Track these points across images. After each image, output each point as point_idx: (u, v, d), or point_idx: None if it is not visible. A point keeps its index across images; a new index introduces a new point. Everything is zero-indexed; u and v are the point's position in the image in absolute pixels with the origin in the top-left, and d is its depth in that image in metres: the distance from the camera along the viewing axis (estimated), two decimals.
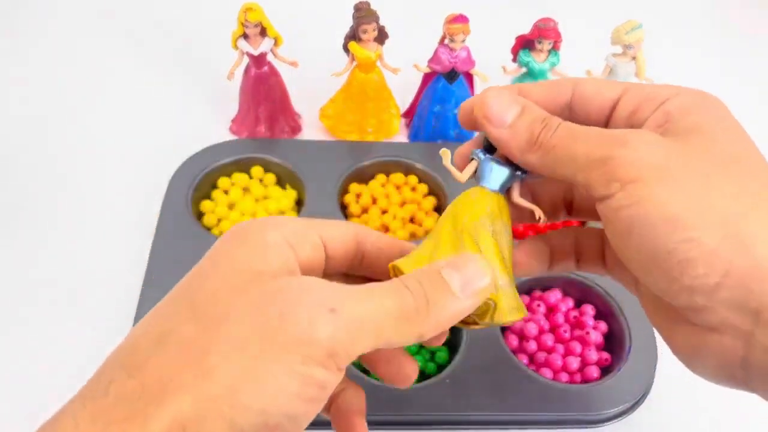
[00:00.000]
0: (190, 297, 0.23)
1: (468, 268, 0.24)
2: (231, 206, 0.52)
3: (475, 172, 0.28)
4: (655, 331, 0.43)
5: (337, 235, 0.27)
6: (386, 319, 0.22)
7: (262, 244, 0.24)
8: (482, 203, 0.27)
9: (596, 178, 0.24)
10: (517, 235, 0.50)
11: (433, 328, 0.23)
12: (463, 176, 0.28)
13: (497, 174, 0.27)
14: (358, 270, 0.28)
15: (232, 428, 0.20)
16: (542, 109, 0.27)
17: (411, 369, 0.28)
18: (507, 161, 0.27)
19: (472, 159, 0.28)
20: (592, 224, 0.31)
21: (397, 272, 0.26)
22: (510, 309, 0.25)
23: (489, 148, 0.28)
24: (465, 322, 0.25)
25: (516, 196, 0.28)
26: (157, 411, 0.20)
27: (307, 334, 0.21)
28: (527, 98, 0.28)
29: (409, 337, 0.23)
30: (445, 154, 0.28)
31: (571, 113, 0.28)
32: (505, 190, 0.28)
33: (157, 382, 0.21)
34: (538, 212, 0.28)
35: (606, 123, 0.27)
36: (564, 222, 0.45)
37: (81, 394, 0.22)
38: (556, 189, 0.31)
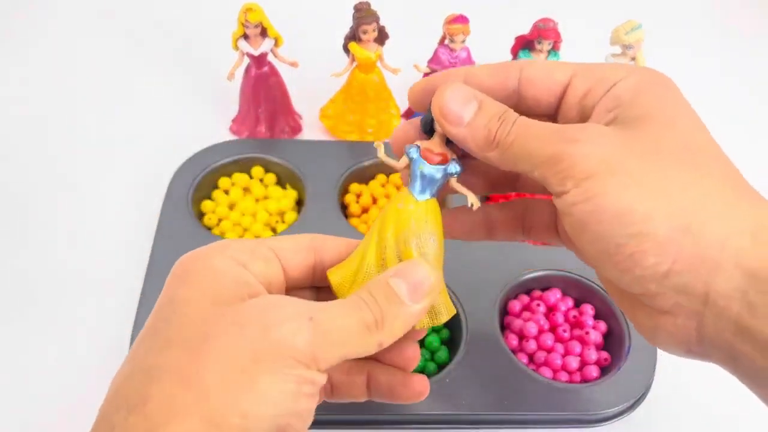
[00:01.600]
0: (163, 334, 0.23)
1: (412, 274, 0.25)
2: (231, 206, 0.52)
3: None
4: None
5: (289, 246, 0.27)
6: (350, 333, 0.24)
7: (211, 272, 0.25)
8: (406, 215, 0.27)
9: (552, 176, 0.24)
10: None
11: (390, 336, 0.25)
12: (400, 164, 0.28)
13: (425, 183, 0.27)
14: (324, 281, 0.28)
15: None
16: (495, 101, 0.27)
17: (412, 352, 0.29)
18: (442, 158, 0.27)
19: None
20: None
21: (328, 281, 0.27)
22: (446, 310, 0.27)
23: (429, 131, 0.28)
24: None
25: (453, 182, 0.28)
26: None
27: (291, 341, 0.22)
28: (474, 83, 0.28)
29: (370, 347, 0.24)
30: (379, 146, 0.29)
31: (519, 99, 0.28)
32: (437, 191, 0.28)
33: (159, 411, 0.21)
34: (472, 198, 0.28)
35: (557, 107, 0.28)
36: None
37: None
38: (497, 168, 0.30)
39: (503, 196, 0.51)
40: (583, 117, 0.27)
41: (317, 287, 0.29)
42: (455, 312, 0.28)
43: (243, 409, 0.21)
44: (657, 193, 0.23)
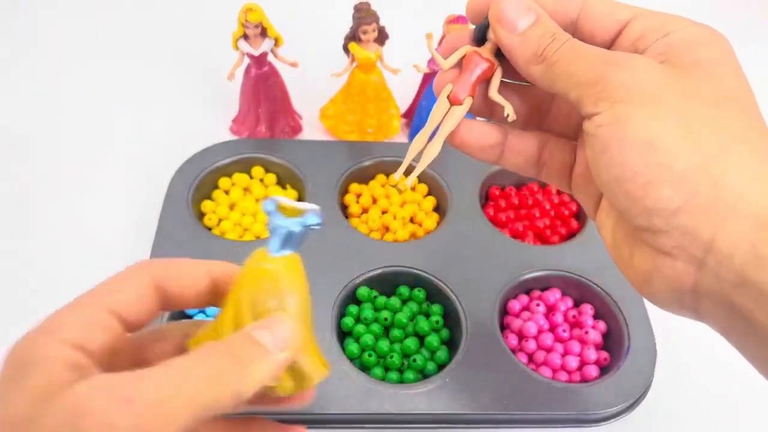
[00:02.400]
0: None
1: (276, 327, 0.24)
2: (232, 206, 0.52)
3: (460, 62, 0.28)
4: (655, 330, 0.44)
5: (129, 299, 0.24)
6: (197, 388, 0.21)
7: (39, 364, 0.22)
8: (262, 275, 0.25)
9: (588, 96, 0.24)
10: (519, 218, 0.50)
11: (252, 384, 0.22)
12: (447, 63, 0.28)
13: (283, 238, 0.25)
14: (171, 308, 0.26)
15: None
16: (551, 20, 0.27)
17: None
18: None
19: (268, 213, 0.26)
20: None
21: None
22: (317, 372, 0.25)
23: (481, 38, 0.28)
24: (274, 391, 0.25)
25: (493, 91, 0.28)
26: None
27: None
28: (539, 2, 0.27)
29: (228, 398, 0.22)
30: (429, 37, 0.29)
31: (576, 30, 0.28)
32: (298, 244, 0.26)
33: None
34: (509, 109, 0.28)
35: (610, 45, 0.27)
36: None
37: None
38: (535, 95, 0.30)
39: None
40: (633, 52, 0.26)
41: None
42: (327, 373, 0.25)
43: None
44: (686, 131, 0.23)
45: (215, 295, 0.26)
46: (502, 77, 0.28)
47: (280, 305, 0.24)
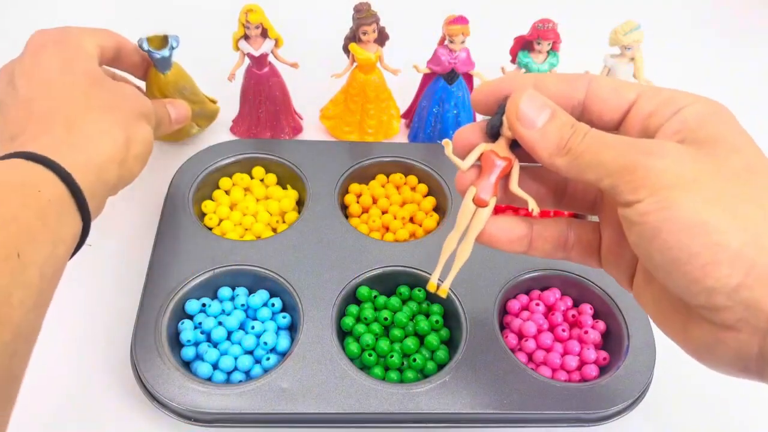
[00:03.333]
0: (54, 91, 0.40)
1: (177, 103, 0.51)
2: (232, 206, 0.52)
3: (479, 159, 0.29)
4: (654, 330, 0.44)
5: (109, 45, 0.46)
6: (157, 115, 0.46)
7: (84, 52, 0.43)
8: (164, 83, 0.53)
9: (624, 184, 0.25)
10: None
11: (160, 134, 0.49)
12: (465, 164, 0.29)
13: (162, 65, 0.52)
14: (115, 65, 0.49)
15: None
16: (565, 112, 0.28)
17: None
18: None
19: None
20: (592, 218, 0.33)
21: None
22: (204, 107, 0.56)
23: (494, 134, 0.29)
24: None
25: (514, 185, 0.29)
26: (23, 142, 0.38)
27: (147, 107, 0.44)
28: (544, 90, 0.29)
29: (156, 135, 0.45)
30: (447, 144, 0.30)
31: (583, 111, 0.29)
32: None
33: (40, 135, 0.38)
34: (532, 204, 0.29)
35: (619, 123, 0.28)
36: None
37: None
38: (550, 179, 0.32)
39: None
40: (646, 135, 0.27)
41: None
42: (217, 107, 0.53)
43: (136, 136, 0.41)
44: (731, 209, 0.23)
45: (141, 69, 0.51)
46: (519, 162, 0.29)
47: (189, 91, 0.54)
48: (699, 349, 0.26)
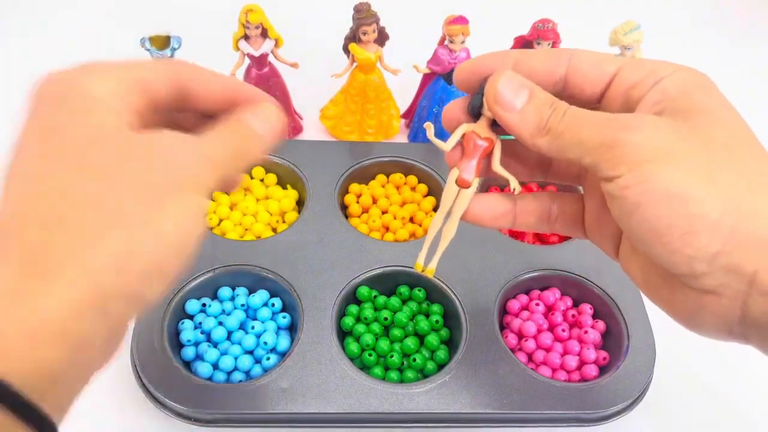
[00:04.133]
0: (73, 160, 0.22)
1: (263, 110, 0.28)
2: (232, 206, 0.52)
3: (460, 140, 0.29)
4: (654, 330, 0.44)
5: (154, 74, 0.27)
6: (225, 158, 0.26)
7: (94, 101, 0.24)
8: None
9: (604, 161, 0.25)
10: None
11: (250, 161, 0.27)
12: (448, 145, 0.30)
13: None
14: (185, 108, 0.28)
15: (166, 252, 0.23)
16: (543, 90, 0.28)
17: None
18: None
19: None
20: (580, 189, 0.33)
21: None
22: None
23: (476, 114, 0.29)
24: None
25: (496, 165, 0.29)
26: (90, 251, 0.21)
27: (196, 174, 0.24)
28: (525, 68, 0.29)
29: (238, 170, 0.27)
30: (429, 127, 0.30)
31: (565, 85, 0.29)
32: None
33: (78, 229, 0.21)
34: (514, 183, 0.29)
35: (600, 96, 0.29)
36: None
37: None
38: (533, 155, 0.32)
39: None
40: (627, 108, 0.27)
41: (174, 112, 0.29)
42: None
43: (158, 227, 0.22)
44: (709, 179, 0.24)
45: (228, 106, 0.29)
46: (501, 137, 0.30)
47: None
48: (685, 316, 0.26)
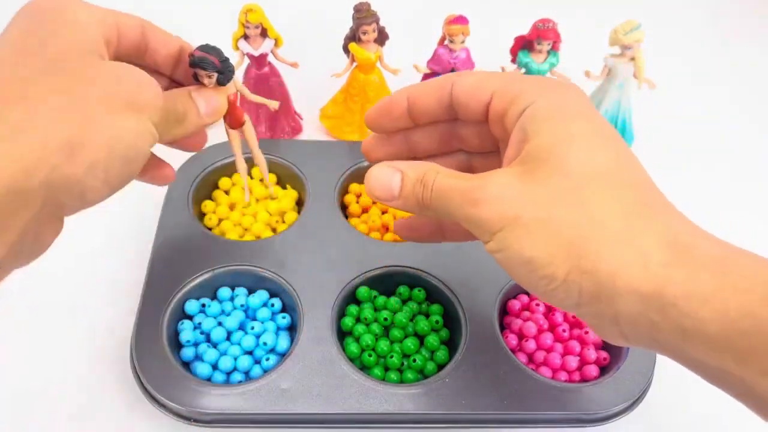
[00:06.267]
0: (42, 62, 0.26)
1: (211, 95, 0.35)
2: (232, 206, 0.52)
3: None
4: None
5: (129, 23, 0.32)
6: (169, 108, 0.32)
7: (78, 24, 0.28)
8: None
9: (472, 230, 0.28)
10: None
11: (183, 133, 0.34)
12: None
13: None
14: (141, 59, 0.34)
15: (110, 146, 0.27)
16: (414, 164, 0.30)
17: (169, 171, 0.38)
18: None
19: None
20: None
21: None
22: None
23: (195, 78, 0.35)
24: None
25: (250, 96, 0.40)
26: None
27: (153, 102, 0.29)
28: (416, 103, 0.32)
29: (173, 129, 0.33)
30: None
31: (456, 111, 0.32)
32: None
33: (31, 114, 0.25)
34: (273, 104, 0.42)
35: (485, 118, 0.31)
36: None
37: None
38: (426, 226, 0.37)
39: None
40: (506, 136, 0.30)
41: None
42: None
43: (109, 131, 0.26)
44: (553, 238, 0.26)
45: (176, 64, 0.35)
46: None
47: None
48: (595, 332, 0.29)
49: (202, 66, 0.34)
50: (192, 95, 0.34)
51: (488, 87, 0.30)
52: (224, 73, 0.35)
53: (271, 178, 0.54)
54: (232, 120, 0.40)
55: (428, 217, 0.31)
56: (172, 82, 0.36)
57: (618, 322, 0.26)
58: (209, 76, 0.35)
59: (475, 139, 0.33)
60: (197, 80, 0.35)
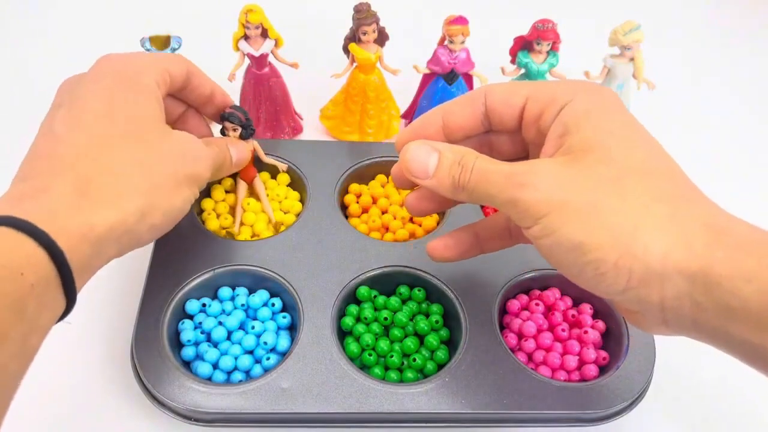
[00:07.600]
0: (122, 127, 0.33)
1: (238, 144, 0.44)
2: (232, 207, 0.52)
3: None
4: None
5: (177, 69, 0.38)
6: (215, 166, 0.40)
7: (148, 91, 0.35)
8: None
9: (513, 215, 0.28)
10: None
11: (217, 178, 0.44)
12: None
13: None
14: (181, 94, 0.41)
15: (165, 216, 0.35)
16: (453, 147, 0.30)
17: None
18: None
19: None
20: None
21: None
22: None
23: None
24: None
25: (265, 158, 0.46)
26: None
27: (203, 173, 0.38)
28: (451, 120, 0.32)
29: (215, 176, 0.41)
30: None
31: (490, 123, 0.32)
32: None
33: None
34: (282, 166, 0.48)
35: (518, 126, 0.32)
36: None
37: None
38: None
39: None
40: (540, 136, 0.30)
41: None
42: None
43: (171, 201, 0.34)
44: (601, 224, 0.26)
45: (208, 102, 0.43)
46: None
47: None
48: (630, 321, 0.30)
49: (231, 120, 0.44)
50: (224, 144, 0.42)
51: (521, 93, 0.31)
52: (247, 128, 0.44)
53: (284, 178, 0.53)
54: (245, 173, 0.48)
55: (461, 199, 0.31)
56: (189, 107, 0.43)
57: (663, 308, 0.26)
58: (234, 129, 0.44)
59: (506, 145, 0.34)
60: (223, 133, 0.45)
